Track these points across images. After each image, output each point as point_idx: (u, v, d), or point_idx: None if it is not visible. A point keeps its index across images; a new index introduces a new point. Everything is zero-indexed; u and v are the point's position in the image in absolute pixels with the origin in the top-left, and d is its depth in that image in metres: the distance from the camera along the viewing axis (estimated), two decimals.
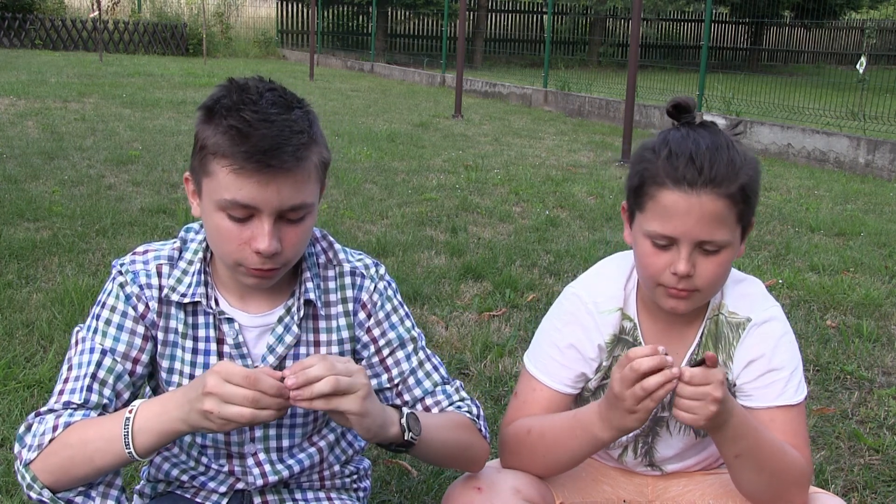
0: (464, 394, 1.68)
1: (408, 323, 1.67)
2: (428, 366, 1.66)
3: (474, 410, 1.66)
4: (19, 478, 1.43)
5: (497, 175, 7.07)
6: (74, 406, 1.46)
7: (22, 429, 1.46)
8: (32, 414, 1.47)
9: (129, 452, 1.36)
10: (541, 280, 4.20)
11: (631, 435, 1.72)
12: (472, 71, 18.23)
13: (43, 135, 7.77)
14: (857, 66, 10.29)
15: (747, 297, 1.66)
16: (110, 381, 1.50)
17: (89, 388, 1.48)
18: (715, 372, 1.37)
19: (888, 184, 7.90)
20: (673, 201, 1.47)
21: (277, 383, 1.28)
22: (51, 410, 1.46)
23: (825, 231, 5.62)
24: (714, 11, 22.93)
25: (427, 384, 1.64)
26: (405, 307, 1.69)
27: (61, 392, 1.48)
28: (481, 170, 7.30)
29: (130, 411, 1.38)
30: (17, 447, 1.45)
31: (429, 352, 1.69)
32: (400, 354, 1.65)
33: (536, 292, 3.99)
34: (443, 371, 1.68)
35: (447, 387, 1.66)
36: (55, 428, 1.42)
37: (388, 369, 1.64)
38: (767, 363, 1.62)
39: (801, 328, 3.69)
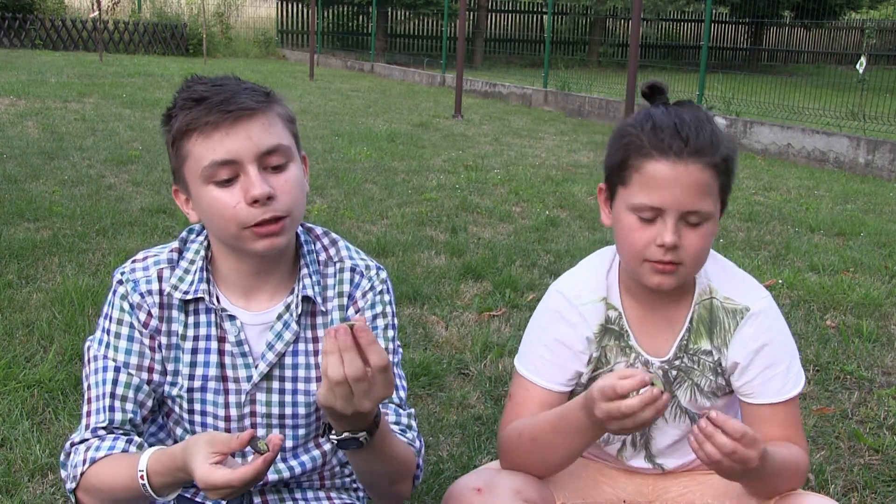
0: (414, 425, 1.66)
1: (390, 333, 1.65)
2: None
3: (417, 445, 1.64)
4: (73, 499, 1.52)
5: (497, 175, 7.06)
6: (101, 431, 1.51)
7: (63, 456, 1.54)
8: (69, 443, 1.53)
9: None
10: (541, 280, 4.20)
11: None
12: (472, 71, 18.22)
13: (43, 135, 7.77)
14: (857, 66, 10.29)
15: (739, 284, 1.67)
16: (130, 394, 1.54)
17: (111, 409, 1.52)
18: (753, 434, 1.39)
19: (888, 184, 7.90)
20: (659, 171, 1.49)
21: (257, 468, 1.28)
22: (83, 440, 1.51)
23: (825, 231, 5.62)
24: (714, 11, 22.90)
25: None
26: (395, 319, 1.68)
27: (88, 414, 1.53)
28: (481, 170, 7.30)
29: (142, 477, 1.38)
30: (62, 472, 1.53)
31: (400, 371, 1.68)
32: None
33: (536, 292, 3.99)
34: (402, 394, 1.67)
35: (401, 410, 1.64)
36: (84, 462, 1.47)
37: None
38: (767, 359, 1.62)
39: (801, 328, 3.69)
